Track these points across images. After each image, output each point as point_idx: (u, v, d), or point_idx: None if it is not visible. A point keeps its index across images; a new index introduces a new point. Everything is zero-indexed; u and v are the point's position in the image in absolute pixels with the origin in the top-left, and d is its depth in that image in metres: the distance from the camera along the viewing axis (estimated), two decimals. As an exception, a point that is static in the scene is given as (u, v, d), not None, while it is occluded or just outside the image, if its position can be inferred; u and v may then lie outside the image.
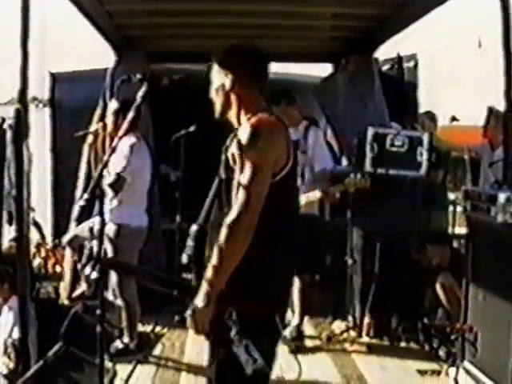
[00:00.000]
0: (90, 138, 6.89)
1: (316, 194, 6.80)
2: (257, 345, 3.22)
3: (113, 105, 6.59)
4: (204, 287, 3.19)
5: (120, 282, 6.37)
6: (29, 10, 4.85)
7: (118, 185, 6.04)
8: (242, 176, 3.22)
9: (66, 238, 7.18)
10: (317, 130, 7.12)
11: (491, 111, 8.19)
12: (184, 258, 3.41)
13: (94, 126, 6.95)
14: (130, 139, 6.20)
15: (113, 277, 6.38)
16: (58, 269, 8.23)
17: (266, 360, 3.25)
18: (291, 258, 3.47)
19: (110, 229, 6.11)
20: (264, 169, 3.22)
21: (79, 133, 6.98)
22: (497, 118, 7.70)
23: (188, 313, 3.21)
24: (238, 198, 3.20)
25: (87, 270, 7.21)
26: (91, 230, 6.47)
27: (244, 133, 3.28)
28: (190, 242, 3.41)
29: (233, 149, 3.33)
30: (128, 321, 6.45)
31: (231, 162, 3.35)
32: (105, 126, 6.61)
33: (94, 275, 3.86)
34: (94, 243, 6.38)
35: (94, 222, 5.93)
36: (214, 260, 3.18)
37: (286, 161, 3.32)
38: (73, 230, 6.98)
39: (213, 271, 3.17)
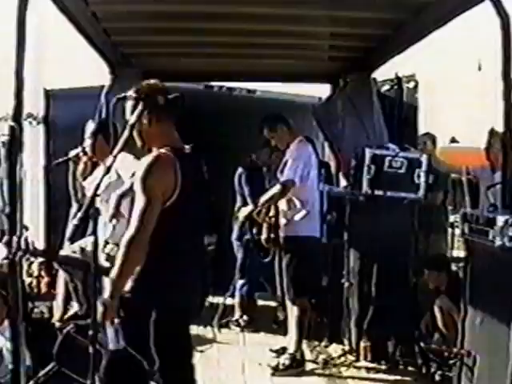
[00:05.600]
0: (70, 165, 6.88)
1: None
2: None
3: (90, 126, 6.54)
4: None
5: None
6: (25, 27, 4.79)
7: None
8: None
9: (57, 258, 6.97)
10: (303, 143, 7.06)
11: (492, 133, 8.14)
12: None
13: (74, 151, 6.88)
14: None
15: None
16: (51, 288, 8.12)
17: None
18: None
19: (112, 248, 6.03)
20: None
21: (58, 160, 6.92)
22: (500, 139, 7.65)
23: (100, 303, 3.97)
24: None
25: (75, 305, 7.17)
26: (82, 250, 6.36)
27: None
28: None
29: None
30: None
31: None
32: (85, 150, 6.57)
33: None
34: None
35: (87, 241, 5.84)
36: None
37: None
38: (65, 249, 6.78)
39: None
